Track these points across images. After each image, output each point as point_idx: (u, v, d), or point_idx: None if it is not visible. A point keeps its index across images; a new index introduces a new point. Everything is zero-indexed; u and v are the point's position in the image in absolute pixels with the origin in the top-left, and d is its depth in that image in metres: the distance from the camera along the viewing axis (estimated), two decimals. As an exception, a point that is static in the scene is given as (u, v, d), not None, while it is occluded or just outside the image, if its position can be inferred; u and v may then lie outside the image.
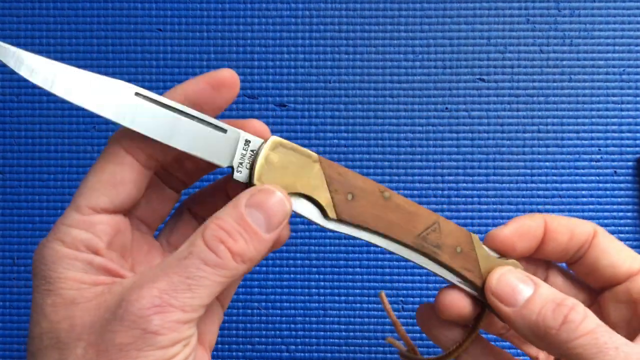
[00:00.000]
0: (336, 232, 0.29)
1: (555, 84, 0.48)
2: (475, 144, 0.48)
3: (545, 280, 0.33)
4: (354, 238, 0.30)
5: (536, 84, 0.48)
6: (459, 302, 0.31)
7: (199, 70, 0.47)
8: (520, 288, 0.29)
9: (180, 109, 0.27)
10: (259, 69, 0.48)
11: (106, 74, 0.47)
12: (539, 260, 0.33)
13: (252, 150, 0.28)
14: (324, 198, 0.29)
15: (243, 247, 0.26)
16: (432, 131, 0.48)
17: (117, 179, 0.26)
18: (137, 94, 0.27)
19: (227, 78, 0.28)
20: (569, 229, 0.31)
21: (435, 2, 0.48)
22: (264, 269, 0.47)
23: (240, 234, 0.26)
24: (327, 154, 0.47)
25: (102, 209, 0.26)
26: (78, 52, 0.48)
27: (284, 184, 0.28)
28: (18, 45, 0.48)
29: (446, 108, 0.48)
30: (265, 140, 0.28)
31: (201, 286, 0.25)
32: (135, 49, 0.48)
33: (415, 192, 0.47)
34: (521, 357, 0.37)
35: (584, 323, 0.27)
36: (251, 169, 0.28)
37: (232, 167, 0.28)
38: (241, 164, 0.28)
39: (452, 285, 0.31)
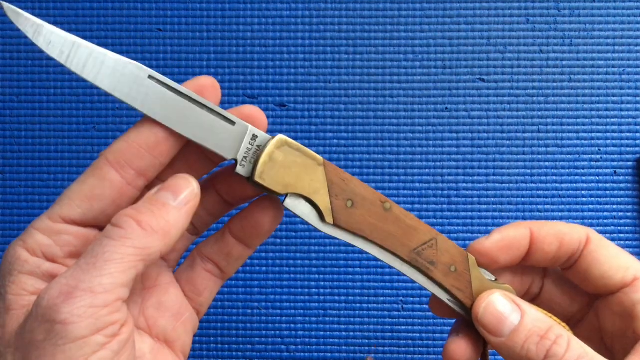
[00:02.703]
0: (332, 236, 0.29)
1: (555, 84, 0.48)
2: (475, 144, 0.48)
3: (542, 287, 0.33)
4: (349, 245, 0.30)
5: (536, 84, 0.48)
6: (462, 352, 0.30)
7: (199, 70, 0.47)
8: (505, 318, 0.28)
9: (192, 97, 0.27)
10: (259, 69, 0.48)
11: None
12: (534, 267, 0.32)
13: (257, 146, 0.28)
14: (323, 202, 0.28)
15: (150, 217, 0.25)
16: (432, 131, 0.48)
17: (94, 193, 0.26)
18: (150, 77, 0.27)
19: (209, 85, 0.28)
20: (557, 238, 0.30)
21: (435, 2, 0.48)
22: (264, 269, 0.47)
23: (147, 208, 0.25)
24: (327, 154, 0.47)
25: (72, 220, 0.26)
26: (78, 52, 0.48)
27: (284, 183, 0.28)
28: (18, 45, 0.48)
29: (446, 108, 0.48)
30: (273, 138, 0.28)
31: (108, 261, 0.23)
32: (135, 49, 0.48)
33: (415, 192, 0.47)
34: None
35: (566, 356, 0.27)
36: (255, 164, 0.28)
37: (235, 160, 0.28)
38: (245, 158, 0.28)
39: (456, 336, 0.30)
